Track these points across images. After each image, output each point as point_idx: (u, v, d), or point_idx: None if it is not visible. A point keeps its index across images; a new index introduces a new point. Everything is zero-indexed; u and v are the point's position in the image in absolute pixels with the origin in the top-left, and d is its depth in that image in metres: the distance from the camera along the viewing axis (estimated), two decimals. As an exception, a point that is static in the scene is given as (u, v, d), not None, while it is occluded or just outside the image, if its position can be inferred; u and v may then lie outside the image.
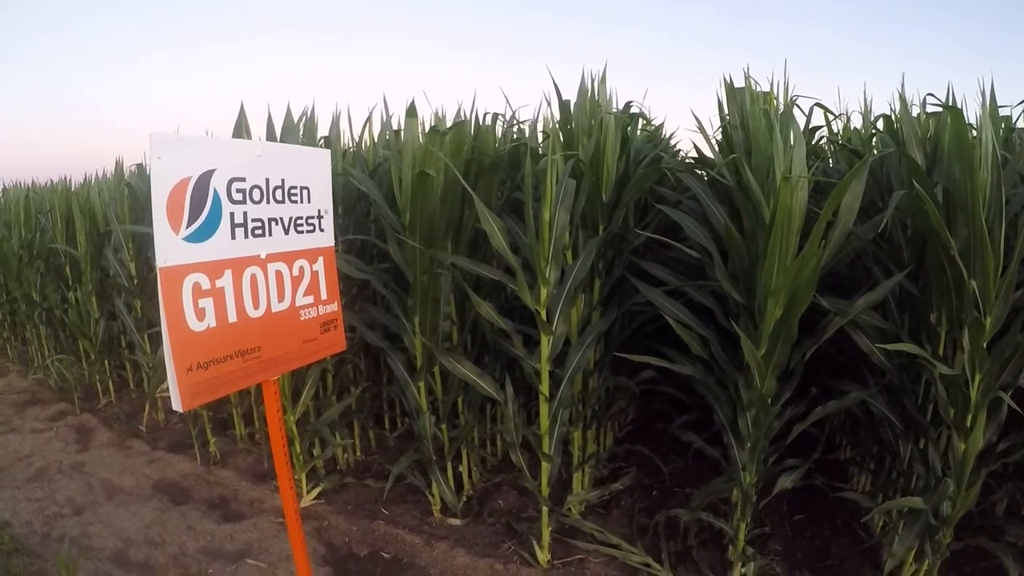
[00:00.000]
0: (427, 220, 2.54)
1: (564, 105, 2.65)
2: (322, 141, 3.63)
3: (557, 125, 2.59)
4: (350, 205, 3.43)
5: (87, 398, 5.25)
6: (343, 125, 3.76)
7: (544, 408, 2.37)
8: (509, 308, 2.99)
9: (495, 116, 3.09)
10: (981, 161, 1.97)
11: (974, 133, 2.28)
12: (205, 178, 1.65)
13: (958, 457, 2.20)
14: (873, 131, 2.99)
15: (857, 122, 3.12)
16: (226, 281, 1.70)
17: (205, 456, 3.99)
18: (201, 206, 1.64)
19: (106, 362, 5.22)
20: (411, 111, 2.62)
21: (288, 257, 1.92)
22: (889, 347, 1.99)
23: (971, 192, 1.98)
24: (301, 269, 1.97)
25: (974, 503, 2.29)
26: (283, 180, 1.90)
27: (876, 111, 3.20)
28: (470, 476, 3.40)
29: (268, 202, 1.85)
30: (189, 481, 3.76)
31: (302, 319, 1.98)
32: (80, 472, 3.88)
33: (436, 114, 3.38)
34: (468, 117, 2.96)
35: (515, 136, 3.40)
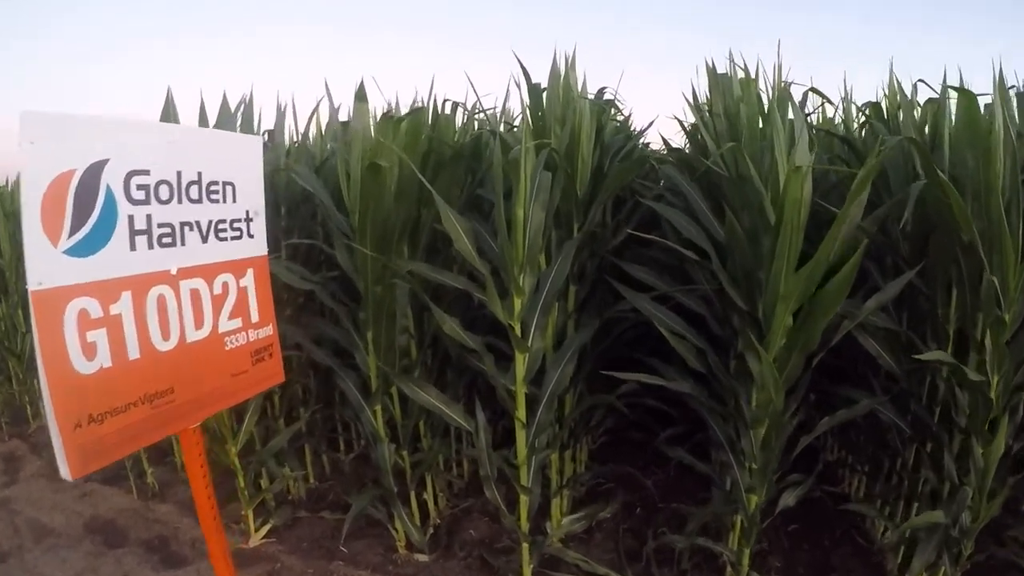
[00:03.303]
0: (379, 221, 2.22)
1: (534, 89, 2.35)
2: (266, 135, 3.28)
3: (528, 111, 2.29)
4: (294, 205, 3.09)
5: (15, 422, 4.78)
6: (290, 116, 3.40)
7: (521, 436, 2.07)
8: (473, 318, 2.68)
9: (455, 104, 2.79)
10: (995, 147, 1.77)
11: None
12: (95, 171, 1.31)
13: (979, 464, 2.03)
14: (862, 118, 2.78)
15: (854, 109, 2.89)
16: (124, 306, 1.35)
17: (142, 488, 3.59)
18: (89, 208, 1.30)
19: (35, 382, 4.74)
20: (360, 94, 2.31)
21: (207, 271, 1.59)
22: (924, 357, 1.74)
23: (986, 181, 1.79)
24: (225, 286, 1.64)
25: (998, 512, 2.12)
26: (200, 174, 1.57)
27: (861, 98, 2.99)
28: (436, 503, 3.09)
29: (180, 202, 1.52)
30: (125, 518, 3.36)
31: (228, 348, 1.65)
32: (6, 510, 3.45)
33: (391, 103, 3.05)
34: (426, 104, 2.65)
35: (477, 127, 3.09)
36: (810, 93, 2.35)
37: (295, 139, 3.50)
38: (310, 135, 3.47)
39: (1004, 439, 2.01)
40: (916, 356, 1.79)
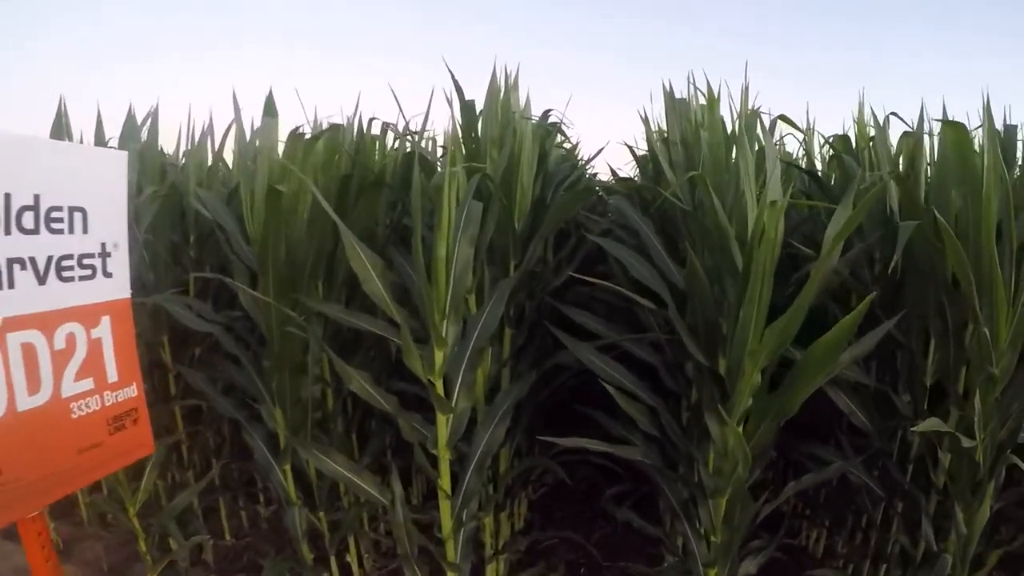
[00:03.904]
0: (284, 255, 1.91)
1: (468, 106, 2.08)
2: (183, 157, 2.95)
3: (459, 131, 2.02)
4: (206, 234, 2.76)
5: None
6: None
7: (445, 508, 1.76)
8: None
9: (386, 125, 2.50)
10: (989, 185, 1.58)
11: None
12: None
13: (961, 530, 1.82)
14: (827, 151, 2.59)
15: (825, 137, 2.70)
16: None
17: (44, 546, 3.15)
18: None
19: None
20: (270, 107, 2.01)
21: (46, 321, 1.26)
22: (920, 428, 1.50)
23: (976, 222, 1.59)
24: (70, 338, 1.31)
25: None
26: (37, 197, 1.24)
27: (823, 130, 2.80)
28: (361, 565, 2.74)
29: (8, 232, 1.20)
30: (24, 578, 2.94)
31: (75, 417, 1.32)
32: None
33: (316, 122, 2.74)
34: (352, 123, 2.36)
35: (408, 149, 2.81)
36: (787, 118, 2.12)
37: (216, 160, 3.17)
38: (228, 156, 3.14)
39: (989, 505, 1.81)
40: (914, 428, 1.56)
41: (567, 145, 3.13)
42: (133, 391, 1.44)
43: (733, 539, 1.65)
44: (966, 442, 1.57)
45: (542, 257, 2.24)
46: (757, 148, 1.82)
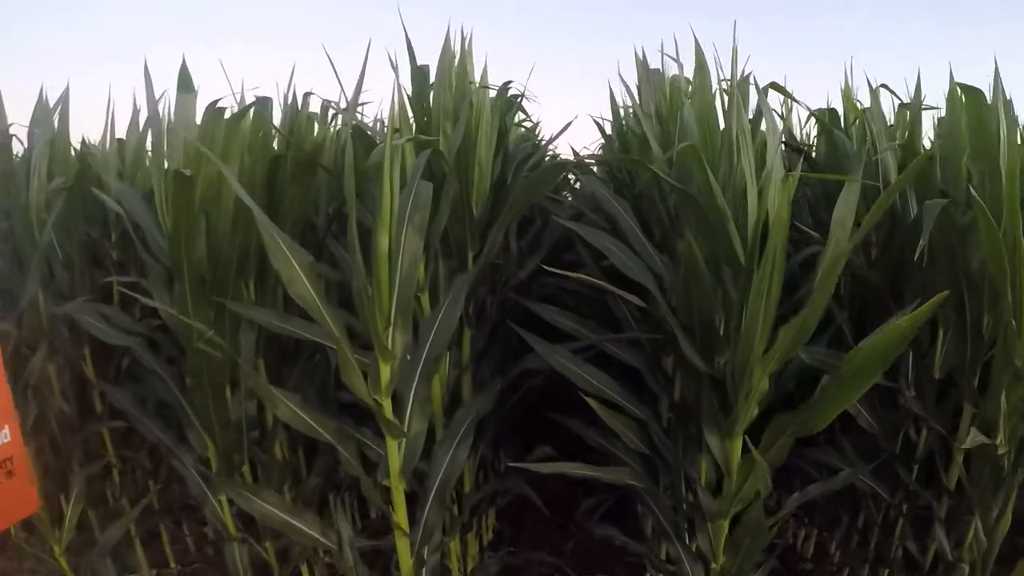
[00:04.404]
0: (210, 251, 1.63)
1: (420, 72, 1.80)
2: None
3: (407, 100, 1.74)
4: (128, 231, 2.43)
5: None
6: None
7: (403, 546, 1.49)
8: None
9: (326, 102, 2.20)
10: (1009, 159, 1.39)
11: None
12: None
13: (980, 539, 1.66)
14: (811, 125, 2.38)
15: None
16: None
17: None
18: None
19: None
20: (185, 81, 1.72)
21: None
22: (968, 445, 1.29)
23: (996, 201, 1.39)
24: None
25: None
26: None
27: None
28: (315, 593, 2.47)
29: None
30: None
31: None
32: None
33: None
34: (287, 98, 2.06)
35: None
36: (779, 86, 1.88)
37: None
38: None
39: (1010, 515, 1.63)
40: (961, 446, 1.35)
41: (528, 124, 2.88)
42: (6, 437, 1.15)
43: (743, 569, 1.42)
44: (1001, 448, 1.36)
45: (504, 245, 1.98)
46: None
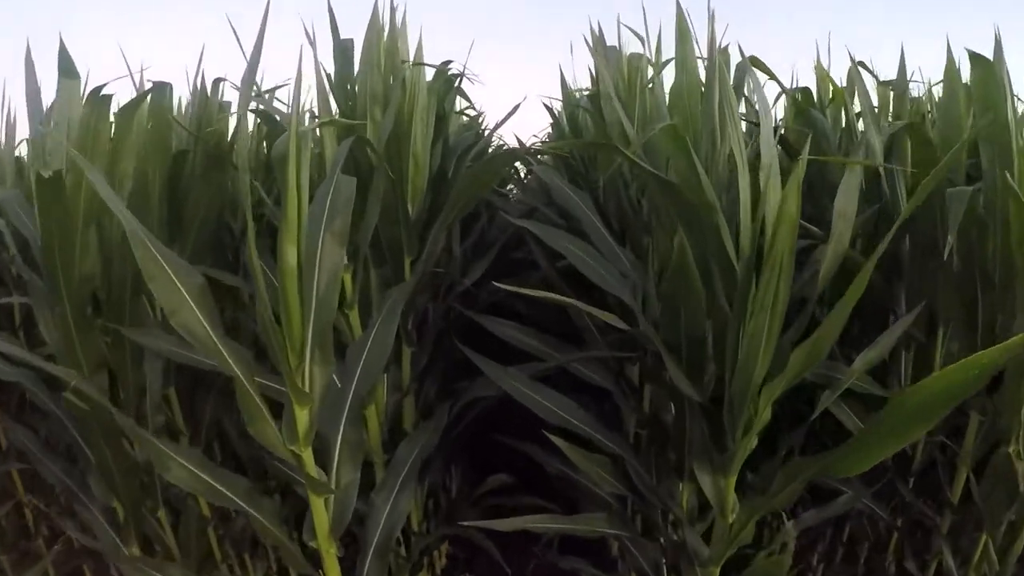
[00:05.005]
0: (103, 265, 1.35)
1: (343, 48, 1.52)
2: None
3: (327, 81, 1.46)
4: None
5: None
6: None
7: (336, 618, 1.24)
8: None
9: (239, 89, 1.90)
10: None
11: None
12: None
13: (992, 562, 1.51)
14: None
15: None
16: None
17: None
18: None
19: None
20: (66, 66, 1.43)
21: None
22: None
23: (1004, 186, 1.22)
24: None
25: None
26: None
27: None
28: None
29: None
30: None
31: None
32: None
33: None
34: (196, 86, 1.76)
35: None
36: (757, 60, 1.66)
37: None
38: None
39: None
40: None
41: (471, 112, 2.61)
42: None
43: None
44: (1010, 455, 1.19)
45: (447, 247, 1.72)
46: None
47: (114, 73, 1.64)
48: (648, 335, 1.07)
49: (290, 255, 0.92)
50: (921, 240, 1.53)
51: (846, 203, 1.18)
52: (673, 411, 1.26)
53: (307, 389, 1.01)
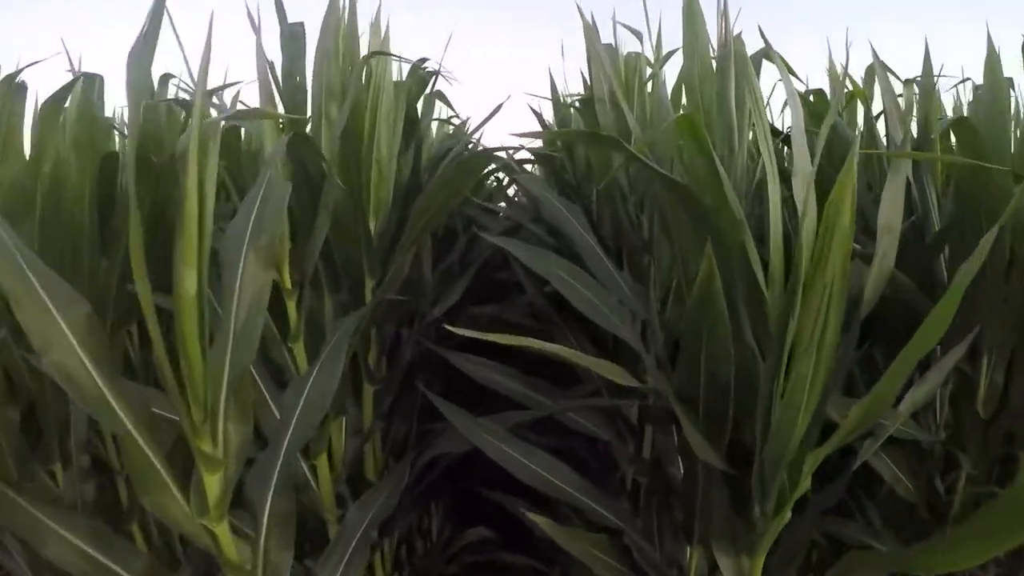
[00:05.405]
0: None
1: (293, 35, 1.31)
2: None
3: (270, 74, 1.24)
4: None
5: None
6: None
7: None
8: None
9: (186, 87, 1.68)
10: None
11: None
12: None
13: None
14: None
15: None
16: None
17: None
18: None
19: None
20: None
21: None
22: None
23: None
24: None
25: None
26: None
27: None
28: None
29: None
30: None
31: None
32: None
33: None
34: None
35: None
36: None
37: None
38: None
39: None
40: None
41: (456, 120, 2.39)
42: None
43: None
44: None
45: (418, 269, 1.50)
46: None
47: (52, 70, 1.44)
48: (661, 390, 0.84)
49: (188, 280, 0.70)
50: (962, 251, 1.32)
51: (892, 214, 0.97)
52: (682, 467, 1.04)
53: (218, 448, 0.78)
